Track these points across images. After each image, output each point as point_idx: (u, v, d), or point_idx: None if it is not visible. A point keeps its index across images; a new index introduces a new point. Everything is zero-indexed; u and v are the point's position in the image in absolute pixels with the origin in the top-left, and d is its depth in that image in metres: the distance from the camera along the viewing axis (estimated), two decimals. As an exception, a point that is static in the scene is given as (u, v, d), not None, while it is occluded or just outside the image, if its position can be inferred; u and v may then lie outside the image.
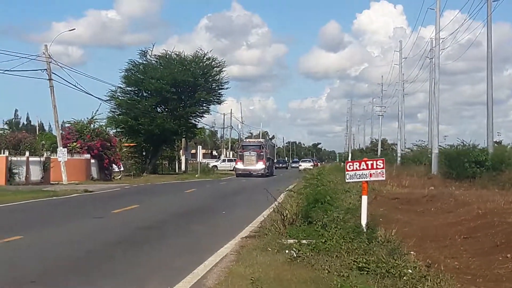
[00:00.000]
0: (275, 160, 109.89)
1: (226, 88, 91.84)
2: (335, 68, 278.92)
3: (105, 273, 13.41)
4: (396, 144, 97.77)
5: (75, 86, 60.19)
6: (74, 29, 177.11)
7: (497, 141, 51.59)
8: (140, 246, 17.07)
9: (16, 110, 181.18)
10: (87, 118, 62.67)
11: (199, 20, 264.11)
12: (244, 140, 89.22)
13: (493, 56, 50.54)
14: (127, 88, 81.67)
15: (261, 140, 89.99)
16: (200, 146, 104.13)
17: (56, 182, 52.24)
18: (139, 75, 79.76)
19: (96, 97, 73.25)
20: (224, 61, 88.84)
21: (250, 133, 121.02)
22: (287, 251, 14.24)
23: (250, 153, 74.72)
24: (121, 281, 12.59)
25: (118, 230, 20.36)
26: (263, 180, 58.67)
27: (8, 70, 52.74)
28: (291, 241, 15.49)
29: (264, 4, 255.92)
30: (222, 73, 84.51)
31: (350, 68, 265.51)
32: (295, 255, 13.58)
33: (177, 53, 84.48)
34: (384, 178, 17.99)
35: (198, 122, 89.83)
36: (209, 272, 12.80)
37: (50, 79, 57.31)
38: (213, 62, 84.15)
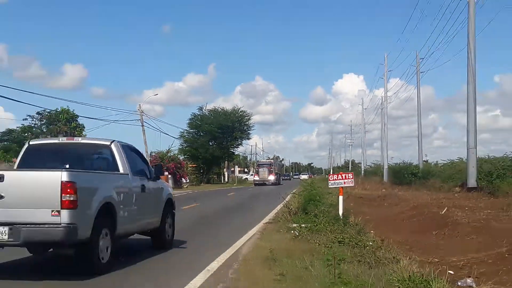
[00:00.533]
0: (282, 174, 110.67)
1: (252, 130, 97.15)
2: (321, 115, 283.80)
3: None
4: (361, 163, 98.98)
5: (158, 130, 71.20)
6: (157, 94, 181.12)
7: (425, 160, 52.38)
8: (198, 228, 16.99)
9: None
10: (166, 149, 63.95)
11: (235, 87, 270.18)
12: (260, 161, 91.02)
13: (421, 107, 52.03)
14: (191, 130, 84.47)
15: (271, 160, 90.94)
16: (237, 166, 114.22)
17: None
18: (198, 122, 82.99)
19: (172, 136, 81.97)
20: (251, 113, 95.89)
21: (268, 157, 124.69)
22: (292, 232, 14.35)
23: (263, 169, 74.89)
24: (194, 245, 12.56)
25: (188, 217, 20.43)
26: (274, 187, 58.24)
27: (116, 121, 58.86)
28: (295, 225, 15.49)
29: (277, 76, 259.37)
30: (250, 120, 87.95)
31: (331, 115, 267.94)
32: (297, 234, 13.76)
33: (222, 108, 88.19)
34: (353, 185, 18.35)
35: (235, 151, 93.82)
36: (243, 245, 12.77)
37: (142, 126, 60.56)
38: (244, 113, 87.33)
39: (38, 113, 70.79)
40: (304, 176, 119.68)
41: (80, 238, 8.34)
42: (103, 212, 9.05)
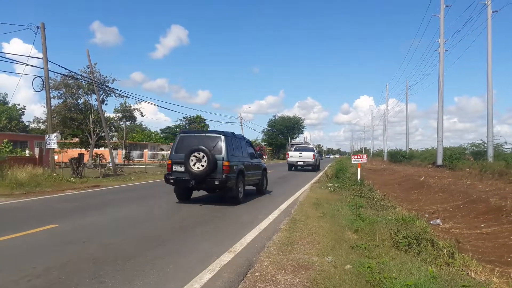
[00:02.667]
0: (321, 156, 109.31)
1: (304, 128, 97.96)
2: (346, 121, 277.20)
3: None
4: (370, 149, 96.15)
5: (250, 127, 65.82)
6: (249, 107, 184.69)
7: (410, 148, 51.35)
8: (275, 184, 16.13)
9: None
10: (254, 139, 66.39)
11: (294, 103, 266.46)
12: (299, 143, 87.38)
13: (409, 116, 50.74)
14: (268, 128, 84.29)
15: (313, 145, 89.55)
16: (293, 149, 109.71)
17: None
18: (273, 123, 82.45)
19: (257, 131, 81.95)
20: (304, 119, 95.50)
21: (305, 141, 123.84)
22: (329, 188, 14.25)
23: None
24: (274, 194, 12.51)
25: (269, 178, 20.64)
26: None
27: (226, 122, 61.74)
28: (330, 184, 15.41)
29: (320, 96, 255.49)
30: (302, 123, 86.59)
31: (352, 120, 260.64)
32: (332, 190, 13.65)
33: (287, 116, 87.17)
34: (366, 162, 18.26)
35: (294, 140, 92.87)
36: (299, 196, 12.56)
37: (241, 125, 62.50)
38: (300, 119, 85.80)
39: (184, 117, 77.14)
40: (336, 156, 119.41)
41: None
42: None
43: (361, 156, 16.99)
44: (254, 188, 13.00)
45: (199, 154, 9.89)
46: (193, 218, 8.28)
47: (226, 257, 5.08)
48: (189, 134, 11.20)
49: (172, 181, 10.25)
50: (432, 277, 4.11)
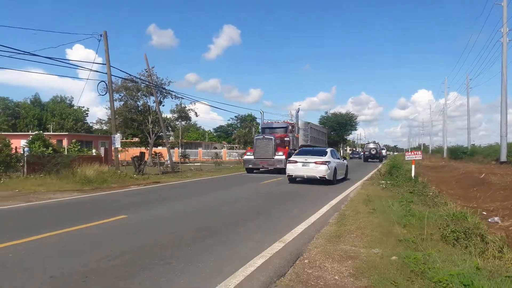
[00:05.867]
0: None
1: (358, 125, 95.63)
2: (403, 116, 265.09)
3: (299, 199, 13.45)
4: (429, 145, 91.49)
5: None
6: (300, 105, 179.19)
7: (472, 144, 48.51)
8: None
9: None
10: None
11: (347, 99, 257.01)
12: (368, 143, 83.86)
13: (470, 110, 48.79)
14: (320, 124, 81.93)
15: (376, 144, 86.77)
16: (348, 146, 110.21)
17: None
18: (324, 120, 79.73)
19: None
20: (357, 115, 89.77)
21: (373, 141, 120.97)
22: (381, 185, 14.19)
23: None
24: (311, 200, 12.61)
25: None
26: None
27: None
28: (383, 181, 15.30)
29: (375, 91, 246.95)
30: (356, 119, 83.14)
31: (410, 115, 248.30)
32: (384, 187, 13.61)
33: (339, 112, 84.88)
34: (421, 158, 17.78)
35: (347, 137, 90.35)
36: (350, 192, 12.64)
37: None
38: (353, 115, 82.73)
39: (235, 116, 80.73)
40: (392, 153, 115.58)
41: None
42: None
43: (415, 152, 16.75)
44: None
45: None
46: (244, 211, 8.81)
47: (277, 246, 5.51)
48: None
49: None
50: (476, 268, 4.27)
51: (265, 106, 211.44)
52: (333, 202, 10.34)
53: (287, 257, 5.02)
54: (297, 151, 19.49)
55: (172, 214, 8.44)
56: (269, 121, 28.76)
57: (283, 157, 21.61)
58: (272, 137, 22.61)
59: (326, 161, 15.44)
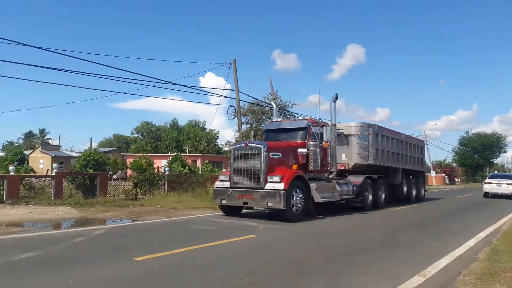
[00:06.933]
0: None
1: (507, 146, 77.45)
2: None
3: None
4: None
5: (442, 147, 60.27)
6: (436, 124, 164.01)
7: None
8: (470, 210, 15.52)
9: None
10: (443, 159, 63.85)
11: (493, 118, 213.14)
12: None
13: None
14: (460, 146, 70.57)
15: None
16: (496, 171, 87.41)
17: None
18: (465, 141, 69.50)
19: (447, 151, 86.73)
20: (506, 135, 75.27)
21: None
22: None
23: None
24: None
25: (460, 202, 19.21)
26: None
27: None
28: None
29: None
30: (505, 140, 69.59)
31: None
32: None
33: (483, 132, 72.73)
34: None
35: (494, 161, 75.67)
36: (502, 225, 11.12)
37: (426, 144, 54.49)
38: (501, 136, 70.18)
39: None
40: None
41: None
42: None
43: None
44: None
45: None
46: (377, 237, 8.36)
47: (416, 280, 5.00)
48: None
49: None
50: None
51: (393, 126, 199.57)
52: (481, 235, 9.14)
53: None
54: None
55: (299, 232, 8.51)
56: (278, 120, 14.01)
57: (281, 185, 10.36)
58: (262, 146, 11.03)
59: None
